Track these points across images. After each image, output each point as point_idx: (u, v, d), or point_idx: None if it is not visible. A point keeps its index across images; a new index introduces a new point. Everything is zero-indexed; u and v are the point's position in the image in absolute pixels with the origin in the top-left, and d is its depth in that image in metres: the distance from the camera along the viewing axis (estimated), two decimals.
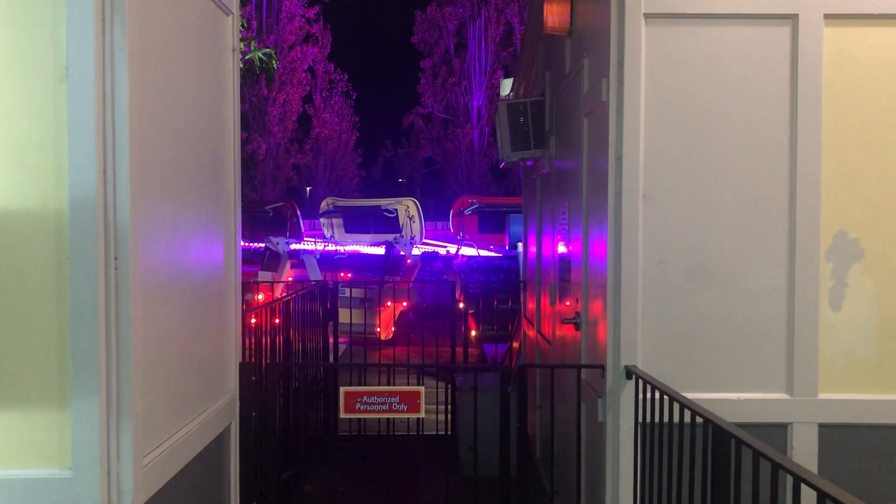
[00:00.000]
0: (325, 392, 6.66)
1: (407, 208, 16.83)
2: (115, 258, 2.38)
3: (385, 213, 16.97)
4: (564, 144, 4.75)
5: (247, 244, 14.04)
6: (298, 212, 18.43)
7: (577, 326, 4.19)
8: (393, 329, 11.75)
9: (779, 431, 3.37)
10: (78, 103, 2.32)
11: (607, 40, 3.42)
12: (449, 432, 7.01)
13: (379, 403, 3.67)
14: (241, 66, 4.03)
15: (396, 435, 6.37)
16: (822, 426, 3.38)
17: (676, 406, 2.89)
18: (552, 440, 4.30)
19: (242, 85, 3.85)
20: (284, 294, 6.59)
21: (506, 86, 8.32)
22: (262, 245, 13.67)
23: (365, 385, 3.91)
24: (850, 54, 3.37)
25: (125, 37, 2.37)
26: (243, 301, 3.80)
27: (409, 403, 3.67)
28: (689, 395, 2.93)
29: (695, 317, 3.40)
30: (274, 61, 11.28)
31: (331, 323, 7.10)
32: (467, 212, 19.48)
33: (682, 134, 3.40)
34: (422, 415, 3.73)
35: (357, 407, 3.68)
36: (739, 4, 3.37)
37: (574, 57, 4.44)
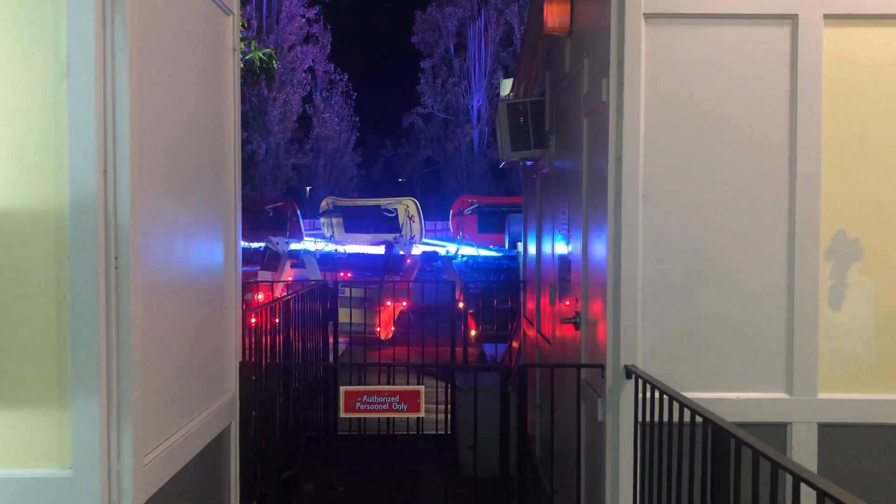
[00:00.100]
0: (324, 391, 6.66)
1: (407, 208, 16.84)
2: (116, 258, 2.38)
3: (385, 213, 16.98)
4: (564, 144, 4.76)
5: (246, 244, 14.05)
6: (298, 211, 18.42)
7: (577, 326, 4.19)
8: (393, 329, 11.75)
9: (778, 431, 3.37)
10: (78, 103, 2.32)
11: (607, 40, 3.43)
12: (448, 432, 7.01)
13: (379, 403, 3.67)
14: (242, 66, 4.04)
15: (396, 434, 6.37)
16: (821, 426, 3.38)
17: (676, 405, 2.89)
18: (552, 440, 4.30)
19: (242, 85, 3.85)
20: (284, 294, 6.59)
21: (506, 86, 8.33)
22: (262, 245, 13.67)
23: (365, 384, 3.91)
24: (849, 54, 3.38)
25: (126, 36, 2.37)
26: (243, 301, 3.80)
27: (408, 403, 3.67)
28: (689, 395, 2.93)
29: (694, 316, 3.41)
30: (274, 61, 11.29)
31: (331, 322, 7.10)
32: (467, 211, 19.48)
33: (682, 134, 3.40)
34: (422, 414, 3.73)
35: (357, 406, 3.68)
36: (739, 4, 3.37)
37: (574, 57, 4.44)
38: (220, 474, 3.50)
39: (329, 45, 34.13)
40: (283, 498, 4.87)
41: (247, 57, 10.45)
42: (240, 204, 3.67)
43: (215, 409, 3.32)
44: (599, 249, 3.61)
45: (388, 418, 4.15)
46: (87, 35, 2.31)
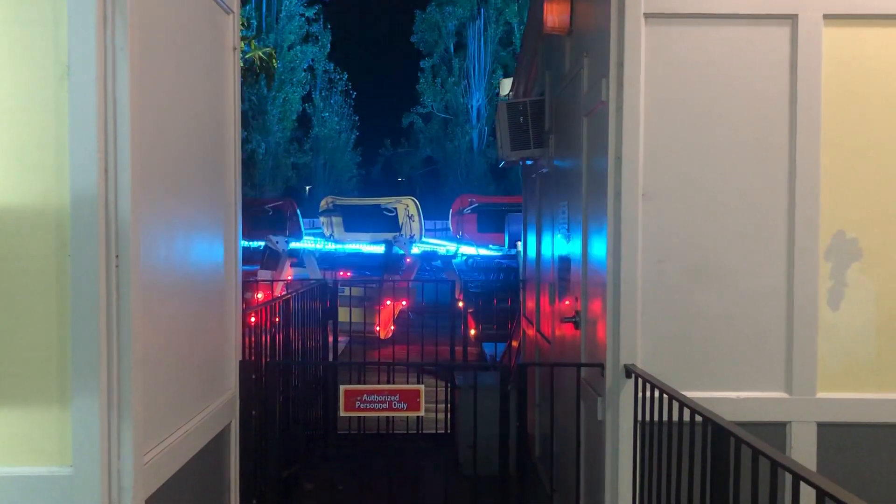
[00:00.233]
0: (324, 390, 6.66)
1: (406, 207, 16.84)
2: (116, 256, 2.38)
3: (384, 212, 16.98)
4: (564, 144, 4.76)
5: (246, 243, 14.04)
6: (298, 211, 18.42)
7: (577, 325, 4.19)
8: (392, 328, 11.76)
9: (778, 430, 3.37)
10: (79, 101, 2.32)
11: (607, 40, 3.43)
12: (448, 431, 7.02)
13: (379, 402, 3.68)
14: (241, 65, 4.04)
15: (396, 433, 6.37)
16: (820, 425, 3.39)
17: (676, 404, 2.90)
18: (551, 439, 4.31)
19: (242, 84, 3.85)
20: (284, 293, 6.60)
21: (505, 85, 8.34)
22: (262, 244, 13.66)
23: (364, 384, 3.91)
24: (849, 54, 3.38)
25: (126, 35, 2.38)
26: (243, 300, 3.80)
27: (408, 402, 3.68)
28: (688, 394, 2.94)
29: (694, 316, 3.41)
30: (274, 60, 11.29)
31: (330, 321, 7.11)
32: (467, 211, 19.47)
33: (682, 133, 3.40)
34: (421, 413, 3.74)
35: (357, 405, 3.69)
36: (739, 4, 3.37)
37: (574, 57, 4.44)
38: (219, 473, 3.50)
39: (329, 45, 34.13)
40: (282, 497, 4.87)
41: (247, 56, 10.45)
42: (240, 202, 3.67)
43: (215, 407, 3.33)
44: (599, 249, 3.61)
45: (388, 417, 4.16)
46: (87, 34, 2.31)
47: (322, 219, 18.28)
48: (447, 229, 21.98)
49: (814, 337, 3.38)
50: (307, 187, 35.63)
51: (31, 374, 2.36)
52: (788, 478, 2.05)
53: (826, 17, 3.35)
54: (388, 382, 4.03)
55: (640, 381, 3.27)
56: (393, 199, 17.69)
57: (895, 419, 3.38)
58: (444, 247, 17.56)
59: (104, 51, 2.35)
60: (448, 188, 35.03)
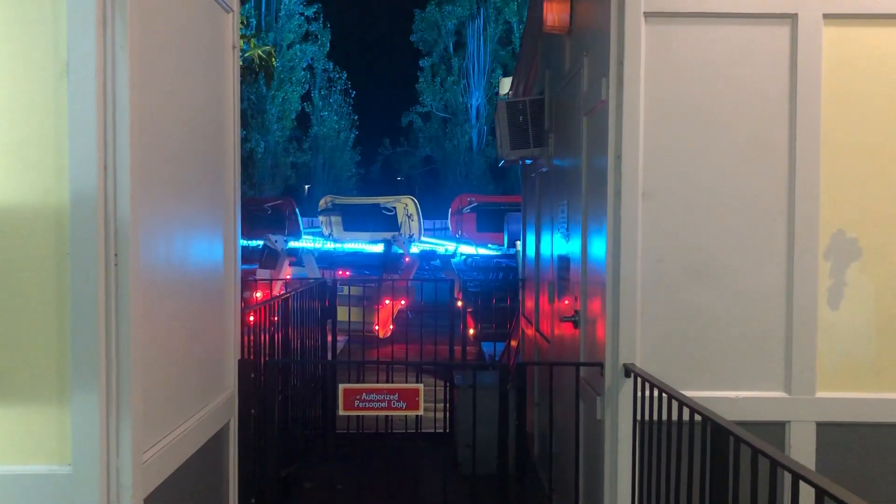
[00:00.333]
0: (323, 389, 6.66)
1: (405, 206, 16.83)
2: (116, 255, 2.38)
3: (384, 212, 16.97)
4: (564, 143, 4.76)
5: (245, 242, 14.03)
6: (297, 210, 18.41)
7: (576, 324, 4.19)
8: (391, 327, 11.76)
9: (777, 430, 3.38)
10: (78, 100, 2.31)
11: (607, 39, 3.43)
12: (447, 430, 7.02)
13: (378, 401, 3.68)
14: (241, 63, 4.04)
15: (395, 433, 6.37)
16: (819, 424, 3.39)
17: (675, 404, 2.90)
18: (550, 438, 4.31)
19: (241, 83, 3.85)
20: (283, 292, 6.59)
21: (505, 84, 8.33)
22: (261, 243, 13.65)
23: (363, 383, 3.91)
24: (849, 54, 3.38)
25: (126, 33, 2.37)
26: (241, 299, 3.80)
27: (407, 401, 3.68)
28: (688, 394, 2.94)
29: (693, 315, 3.41)
30: (274, 59, 11.28)
31: (329, 321, 7.11)
32: (466, 210, 19.47)
33: (682, 132, 3.40)
34: (420, 412, 3.74)
35: (356, 404, 3.68)
36: (739, 4, 3.37)
37: (574, 55, 4.44)
38: (219, 471, 3.50)
39: (328, 44, 34.11)
40: (281, 496, 4.87)
41: (246, 55, 10.45)
42: (239, 201, 3.67)
43: (214, 406, 3.32)
44: (598, 248, 3.61)
45: (387, 416, 4.16)
46: (87, 32, 2.31)
47: (321, 218, 18.27)
48: (446, 229, 21.98)
49: (813, 336, 3.38)
50: (306, 186, 35.61)
51: (31, 373, 2.36)
52: (788, 477, 2.05)
53: (826, 16, 3.35)
54: (388, 382, 4.03)
55: (639, 380, 3.27)
56: (392, 198, 17.68)
57: (894, 419, 3.38)
58: (444, 246, 17.56)
59: (104, 49, 2.35)
60: (447, 187, 35.03)
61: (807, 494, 1.93)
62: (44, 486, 2.34)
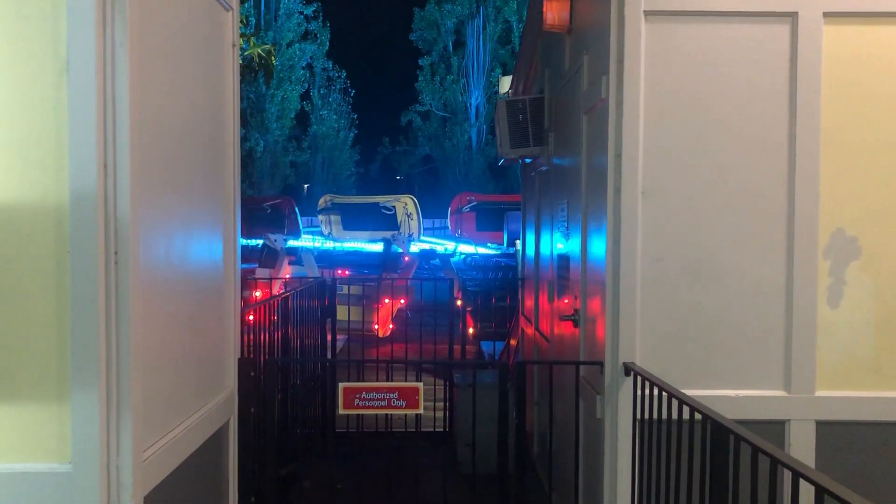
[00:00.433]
0: (322, 389, 6.66)
1: (405, 206, 16.83)
2: (116, 253, 2.37)
3: (383, 211, 16.97)
4: (563, 142, 4.76)
5: (244, 241, 14.01)
6: (296, 209, 18.41)
7: (576, 323, 4.19)
8: (391, 326, 11.76)
9: (776, 428, 3.38)
10: (78, 98, 2.31)
11: (607, 37, 3.43)
12: (446, 429, 7.02)
13: (378, 399, 3.68)
14: (241, 62, 4.03)
15: (394, 432, 6.37)
16: (819, 423, 3.39)
17: (675, 402, 2.90)
18: (550, 437, 4.31)
19: (241, 81, 3.85)
20: (282, 291, 6.59)
21: (504, 83, 8.33)
22: (260, 242, 13.65)
23: (363, 382, 3.91)
24: (849, 52, 3.38)
25: (126, 32, 2.37)
26: (241, 298, 3.80)
27: (407, 399, 3.68)
28: (687, 392, 2.94)
29: (693, 314, 3.41)
30: (273, 58, 11.27)
31: (329, 320, 7.11)
32: (465, 209, 19.48)
33: (682, 131, 3.40)
34: (420, 411, 3.73)
35: (356, 403, 3.68)
36: (739, 2, 3.37)
37: (573, 54, 4.44)
38: (218, 470, 3.50)
39: (327, 42, 34.09)
40: (281, 494, 4.87)
41: (246, 53, 10.44)
42: (239, 200, 3.66)
43: (214, 405, 3.32)
44: (598, 247, 3.61)
45: (386, 416, 4.15)
46: (87, 30, 2.31)
47: (320, 217, 18.28)
48: (446, 228, 21.98)
49: (813, 335, 3.38)
50: (305, 185, 35.61)
51: (31, 371, 2.36)
52: (788, 475, 2.05)
53: (826, 14, 3.35)
54: (387, 381, 4.03)
55: (639, 378, 3.28)
56: (391, 197, 17.69)
57: (894, 417, 3.39)
58: (443, 245, 17.57)
59: (104, 47, 2.35)
60: (447, 186, 35.04)
61: (807, 492, 1.93)
62: (44, 485, 2.34)
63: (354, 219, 17.71)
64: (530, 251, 6.33)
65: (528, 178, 6.59)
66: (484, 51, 35.18)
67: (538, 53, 5.94)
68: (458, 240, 18.23)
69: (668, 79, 3.40)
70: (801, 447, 3.36)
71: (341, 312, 7.83)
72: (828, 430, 3.39)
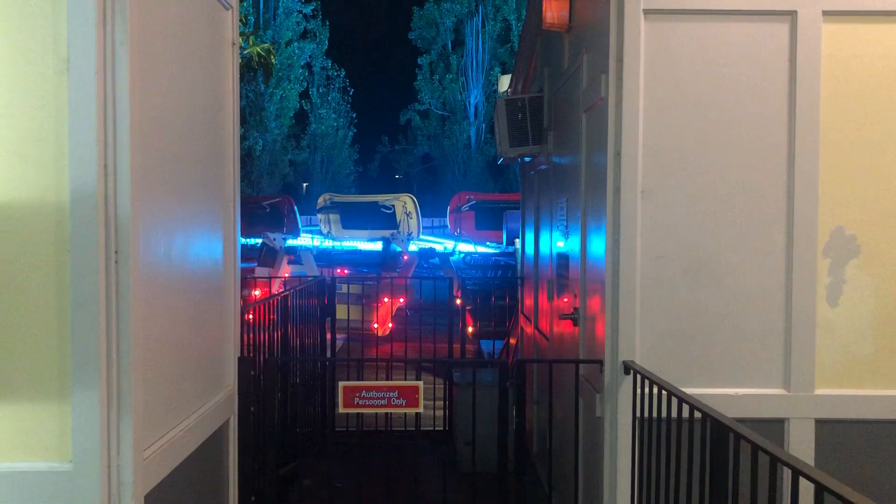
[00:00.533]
0: (322, 387, 6.66)
1: (404, 204, 16.82)
2: (116, 252, 2.38)
3: (382, 210, 16.96)
4: (563, 140, 4.76)
5: (243, 240, 13.99)
6: (295, 208, 18.40)
7: (576, 322, 4.20)
8: (390, 325, 11.76)
9: (776, 427, 3.38)
10: (79, 96, 2.31)
11: (606, 36, 3.43)
12: (446, 428, 7.02)
13: (378, 398, 3.68)
14: (240, 60, 4.03)
15: (393, 430, 6.37)
16: (818, 422, 3.39)
17: (675, 401, 2.90)
18: (550, 435, 4.31)
19: (240, 80, 3.85)
20: (281, 290, 6.59)
21: (503, 82, 8.33)
22: (260, 241, 13.64)
23: (362, 381, 3.91)
24: (848, 51, 3.38)
25: (126, 31, 2.37)
26: (240, 297, 3.80)
27: (407, 398, 3.68)
28: (686, 391, 2.94)
29: (693, 312, 3.42)
30: (273, 56, 11.26)
31: (328, 318, 7.11)
32: (464, 208, 19.47)
33: (681, 130, 3.41)
34: (420, 409, 3.74)
35: (356, 402, 3.69)
36: (738, 1, 3.37)
37: (573, 53, 4.44)
38: (219, 469, 3.50)
39: (326, 41, 34.05)
40: (281, 493, 4.87)
41: (245, 52, 10.43)
42: (239, 198, 3.66)
43: (214, 403, 3.33)
44: (598, 245, 3.61)
45: (386, 414, 4.15)
46: (87, 29, 2.31)
47: (320, 216, 18.26)
48: (445, 227, 21.97)
49: (812, 333, 3.38)
50: (304, 184, 35.57)
51: (31, 370, 2.36)
52: (787, 473, 2.05)
53: (825, 13, 3.35)
54: (387, 380, 4.03)
55: (638, 377, 3.28)
56: (391, 196, 17.66)
57: (893, 416, 3.39)
58: (442, 244, 17.56)
59: (104, 46, 2.35)
60: (446, 185, 35.02)
61: (806, 490, 1.93)
62: (44, 483, 2.35)
63: (353, 218, 17.69)
64: (530, 250, 6.33)
65: (528, 176, 6.59)
66: (483, 49, 35.16)
67: (537, 52, 5.94)
68: (458, 239, 18.22)
69: (667, 77, 3.40)
70: (801, 445, 3.37)
71: (341, 311, 7.83)
72: (827, 429, 3.40)
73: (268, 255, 13.11)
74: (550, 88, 5.25)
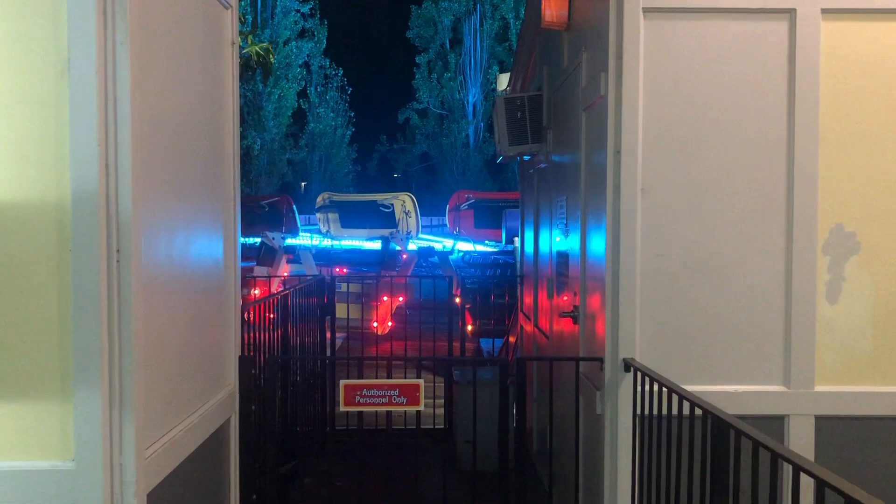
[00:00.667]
0: (322, 386, 6.66)
1: (403, 203, 16.82)
2: (117, 251, 2.38)
3: (381, 209, 16.95)
4: (562, 139, 4.77)
5: (242, 239, 13.96)
6: (294, 207, 18.39)
7: (575, 320, 4.20)
8: (390, 324, 11.76)
9: (776, 424, 3.39)
10: (79, 96, 2.32)
11: (606, 34, 3.44)
12: (446, 427, 7.03)
13: (378, 396, 3.68)
14: (240, 60, 4.03)
15: (394, 429, 6.38)
16: (818, 418, 3.40)
17: (675, 398, 2.91)
18: (550, 433, 4.32)
19: (239, 79, 3.85)
20: (281, 289, 6.59)
21: (502, 81, 8.33)
22: (258, 240, 13.63)
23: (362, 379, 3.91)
24: (847, 49, 3.39)
25: (127, 30, 2.37)
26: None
27: (408, 396, 3.68)
28: (686, 388, 2.95)
29: (692, 309, 3.43)
30: (272, 55, 11.25)
31: (328, 317, 7.11)
32: (463, 207, 19.48)
33: (681, 128, 3.41)
34: (421, 407, 3.74)
35: (356, 400, 3.69)
36: None
37: (572, 51, 4.44)
38: (220, 467, 3.51)
39: (324, 40, 34.01)
40: (281, 492, 4.87)
41: (244, 51, 10.42)
42: (239, 197, 3.67)
43: (215, 402, 3.33)
44: (598, 243, 3.62)
45: (386, 413, 4.16)
46: (88, 28, 2.31)
47: (318, 215, 18.24)
48: (444, 225, 21.97)
49: (812, 330, 3.39)
50: (303, 183, 35.55)
51: (33, 369, 2.36)
52: (788, 469, 2.06)
53: (824, 11, 3.36)
54: (387, 378, 4.03)
55: (638, 374, 3.29)
56: (390, 195, 17.66)
57: (892, 412, 3.40)
58: (441, 243, 17.55)
59: (104, 45, 2.35)
60: (444, 184, 35.00)
61: (807, 487, 1.94)
62: (47, 482, 2.35)
63: (352, 217, 17.68)
64: (529, 248, 6.34)
65: (527, 175, 6.59)
66: (481, 48, 35.14)
67: (536, 50, 5.94)
68: (457, 237, 18.22)
69: (666, 75, 3.41)
70: (800, 442, 3.38)
71: (340, 310, 7.83)
72: (827, 425, 3.41)
73: (267, 255, 13.10)
74: (550, 87, 5.26)
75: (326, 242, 17.35)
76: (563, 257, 4.62)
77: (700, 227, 3.42)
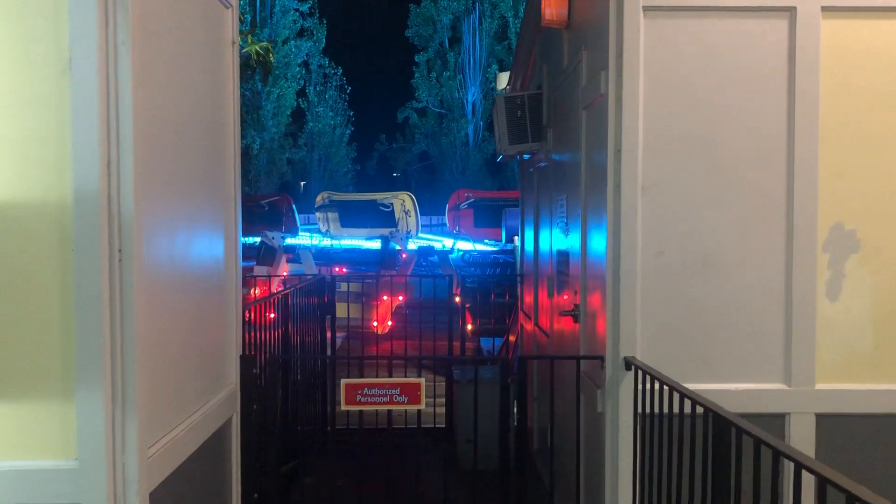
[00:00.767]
0: (322, 386, 6.67)
1: (403, 202, 16.83)
2: (119, 250, 2.38)
3: (381, 208, 16.96)
4: (562, 137, 4.77)
5: (242, 239, 13.95)
6: (294, 206, 18.39)
7: (576, 318, 4.20)
8: (390, 323, 11.76)
9: (776, 421, 3.40)
10: (81, 95, 2.32)
11: (606, 33, 3.44)
12: (447, 426, 7.03)
13: (380, 395, 3.68)
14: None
15: (394, 428, 6.38)
16: (819, 416, 3.41)
17: (676, 396, 2.91)
18: (551, 432, 4.32)
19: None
20: (281, 288, 6.59)
21: (502, 79, 8.32)
22: (258, 239, 13.63)
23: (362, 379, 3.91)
24: (847, 47, 3.39)
25: (128, 30, 2.38)
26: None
27: (409, 395, 3.69)
28: (687, 386, 2.95)
29: (693, 308, 3.43)
30: (271, 55, 11.25)
31: (328, 317, 7.11)
32: (463, 206, 19.49)
33: (681, 126, 3.42)
34: (422, 406, 3.74)
35: (357, 399, 3.69)
36: None
37: (572, 50, 4.45)
38: (221, 466, 3.51)
39: (323, 39, 34.01)
40: (282, 491, 4.88)
41: (244, 51, 10.42)
42: (240, 197, 3.67)
43: (217, 402, 3.33)
44: (598, 242, 3.62)
45: (386, 412, 4.17)
46: (89, 28, 2.31)
47: (318, 214, 18.25)
48: (444, 224, 21.98)
49: (812, 328, 3.40)
50: (302, 183, 35.55)
51: (36, 369, 2.37)
52: (790, 466, 2.06)
53: (824, 9, 3.36)
54: (388, 377, 4.04)
55: (639, 373, 3.29)
56: (389, 194, 17.67)
57: (893, 410, 3.41)
58: (441, 242, 17.57)
59: (106, 45, 2.36)
60: (444, 183, 35.00)
61: (808, 484, 1.94)
62: (50, 481, 2.36)
63: (352, 216, 17.70)
64: (529, 247, 6.34)
65: (527, 174, 6.60)
66: (480, 47, 35.14)
67: (536, 49, 5.94)
68: (456, 236, 18.23)
69: (666, 74, 3.41)
70: (801, 440, 3.38)
71: (340, 309, 7.82)
72: (828, 423, 3.41)
73: (267, 254, 13.10)
74: (550, 85, 5.26)
75: (326, 242, 17.36)
76: (563, 256, 4.63)
77: (701, 225, 3.43)
